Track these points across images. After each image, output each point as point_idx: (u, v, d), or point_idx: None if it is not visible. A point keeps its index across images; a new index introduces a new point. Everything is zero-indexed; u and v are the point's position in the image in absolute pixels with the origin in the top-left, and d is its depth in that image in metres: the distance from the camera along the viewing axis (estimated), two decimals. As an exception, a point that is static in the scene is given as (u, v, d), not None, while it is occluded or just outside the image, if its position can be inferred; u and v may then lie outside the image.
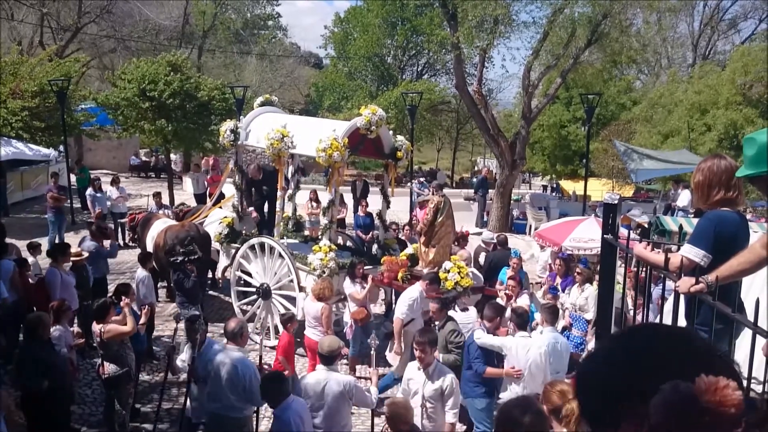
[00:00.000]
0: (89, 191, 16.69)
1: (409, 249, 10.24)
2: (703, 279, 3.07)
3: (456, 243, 11.86)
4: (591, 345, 8.17)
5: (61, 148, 20.68)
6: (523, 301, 8.85)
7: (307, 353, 9.11)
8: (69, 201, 19.05)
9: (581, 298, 9.36)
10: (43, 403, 6.35)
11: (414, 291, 8.42)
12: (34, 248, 11.22)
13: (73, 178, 20.60)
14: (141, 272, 9.82)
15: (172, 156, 23.81)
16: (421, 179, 28.37)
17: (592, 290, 9.30)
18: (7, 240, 12.60)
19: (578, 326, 9.34)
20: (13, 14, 30.38)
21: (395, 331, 8.26)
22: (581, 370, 1.47)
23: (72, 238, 15.77)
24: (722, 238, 3.41)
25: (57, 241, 14.38)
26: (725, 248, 3.33)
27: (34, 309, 8.45)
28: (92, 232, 11.21)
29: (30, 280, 9.63)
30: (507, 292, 8.96)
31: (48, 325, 6.66)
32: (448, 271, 9.10)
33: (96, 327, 7.29)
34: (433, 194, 9.62)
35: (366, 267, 9.78)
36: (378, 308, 11.52)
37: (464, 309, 8.45)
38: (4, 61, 20.48)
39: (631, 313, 7.13)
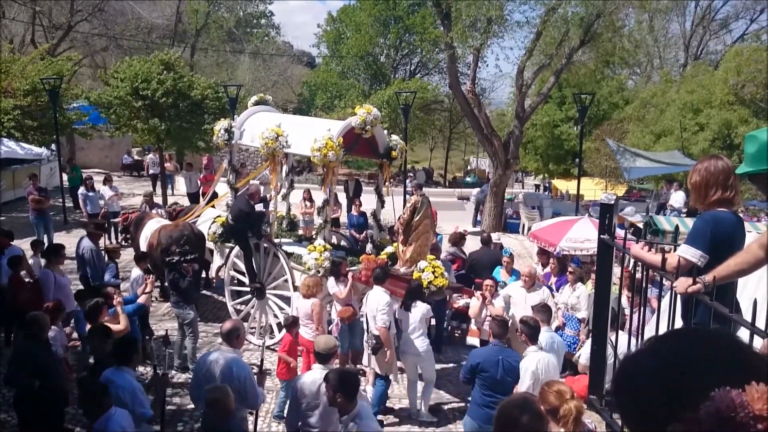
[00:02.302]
0: (81, 190, 16.58)
1: (389, 248, 10.17)
2: (701, 279, 3.08)
3: (454, 244, 11.89)
4: (587, 345, 8.15)
5: (53, 146, 20.59)
6: (498, 302, 8.84)
7: (302, 353, 9.08)
8: (62, 200, 19.02)
9: (573, 297, 9.40)
10: (37, 403, 6.32)
11: (384, 295, 8.10)
12: (35, 246, 11.14)
13: (65, 177, 20.50)
14: (135, 271, 9.79)
15: (150, 156, 23.34)
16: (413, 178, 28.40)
17: (583, 289, 9.34)
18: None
19: (571, 325, 9.38)
20: (5, 12, 30.20)
21: (384, 339, 8.08)
22: (622, 373, 1.43)
23: (64, 238, 15.71)
24: (719, 238, 3.42)
25: (46, 242, 14.26)
26: (722, 248, 3.34)
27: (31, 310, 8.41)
28: (89, 232, 11.13)
29: (28, 279, 9.59)
30: (483, 292, 8.86)
31: (46, 326, 6.62)
32: (423, 270, 8.97)
33: (89, 327, 7.27)
34: (412, 193, 9.60)
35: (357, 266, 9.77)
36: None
37: (407, 308, 8.09)
38: (-4, 60, 20.39)
39: (627, 312, 7.16)
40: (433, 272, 8.92)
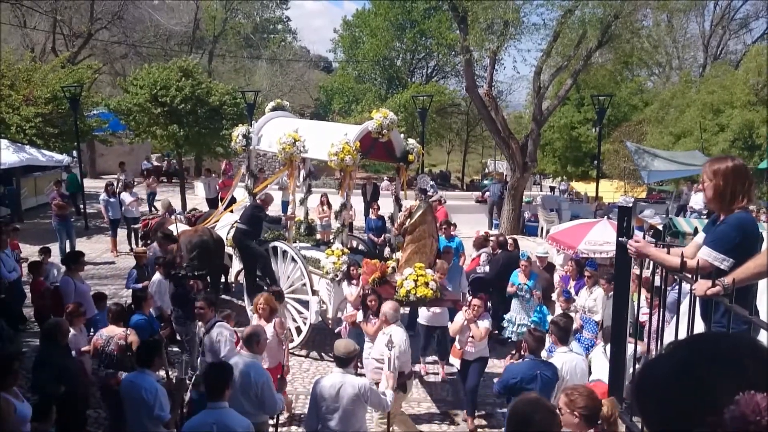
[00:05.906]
0: (103, 196, 16.62)
1: (398, 254, 10.00)
2: (720, 282, 3.06)
3: (480, 247, 11.80)
4: (602, 347, 8.08)
5: (74, 153, 20.85)
6: (483, 324, 8.04)
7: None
8: (83, 206, 19.22)
9: (590, 300, 9.33)
10: (58, 407, 6.39)
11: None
12: (45, 253, 11.18)
13: (86, 183, 20.69)
14: (156, 276, 9.83)
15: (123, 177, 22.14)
16: (431, 182, 28.26)
17: (600, 292, 9.26)
18: (20, 245, 12.77)
19: (588, 328, 9.30)
20: (26, 21, 30.64)
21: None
22: (644, 376, 1.45)
23: (84, 244, 15.88)
24: (744, 240, 3.38)
25: (68, 248, 14.37)
26: (744, 251, 3.31)
27: (51, 316, 8.49)
28: (159, 241, 10.93)
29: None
30: (469, 311, 7.98)
31: (66, 332, 6.68)
32: (406, 278, 8.70)
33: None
34: (415, 198, 9.44)
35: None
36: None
37: None
38: (18, 68, 20.67)
39: (644, 313, 7.09)
40: (415, 281, 8.58)
